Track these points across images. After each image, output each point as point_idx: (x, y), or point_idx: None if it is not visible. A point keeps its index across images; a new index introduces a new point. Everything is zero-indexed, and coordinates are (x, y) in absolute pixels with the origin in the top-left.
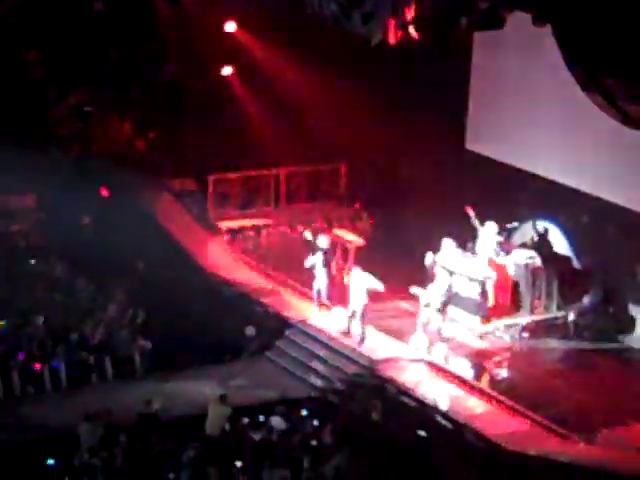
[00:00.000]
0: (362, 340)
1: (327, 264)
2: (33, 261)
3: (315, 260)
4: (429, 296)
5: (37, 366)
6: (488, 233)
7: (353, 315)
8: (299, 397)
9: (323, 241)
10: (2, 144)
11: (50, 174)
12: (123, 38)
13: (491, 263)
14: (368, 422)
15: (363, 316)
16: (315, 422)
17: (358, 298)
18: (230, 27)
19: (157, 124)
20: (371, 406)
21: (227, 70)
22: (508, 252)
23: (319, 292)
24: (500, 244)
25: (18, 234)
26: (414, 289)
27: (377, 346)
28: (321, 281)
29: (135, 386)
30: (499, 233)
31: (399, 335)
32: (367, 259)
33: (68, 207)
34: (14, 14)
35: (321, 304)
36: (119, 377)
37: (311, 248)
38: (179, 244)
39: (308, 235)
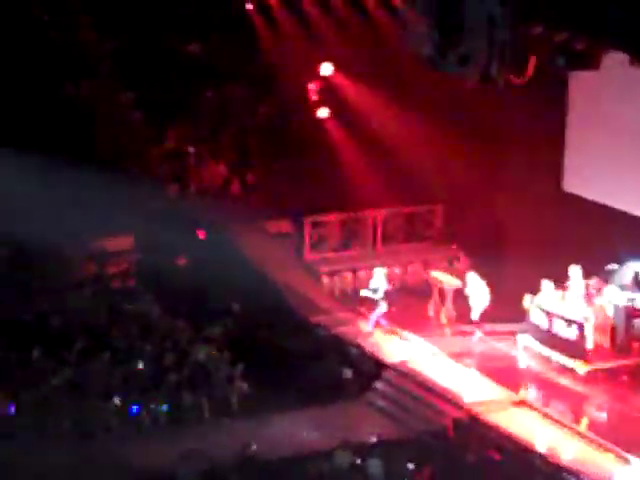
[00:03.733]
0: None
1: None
2: (130, 305)
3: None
4: None
5: (135, 407)
6: (575, 277)
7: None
8: (397, 440)
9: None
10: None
11: (147, 215)
12: (218, 79)
13: (591, 305)
14: (465, 465)
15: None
16: (412, 465)
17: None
18: (326, 69)
19: (253, 165)
20: (468, 448)
21: (323, 112)
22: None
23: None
24: (591, 286)
25: (115, 276)
26: None
27: (475, 388)
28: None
29: (232, 428)
30: (596, 275)
31: (499, 377)
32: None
33: (165, 249)
34: (110, 57)
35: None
36: (216, 419)
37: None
38: (275, 286)
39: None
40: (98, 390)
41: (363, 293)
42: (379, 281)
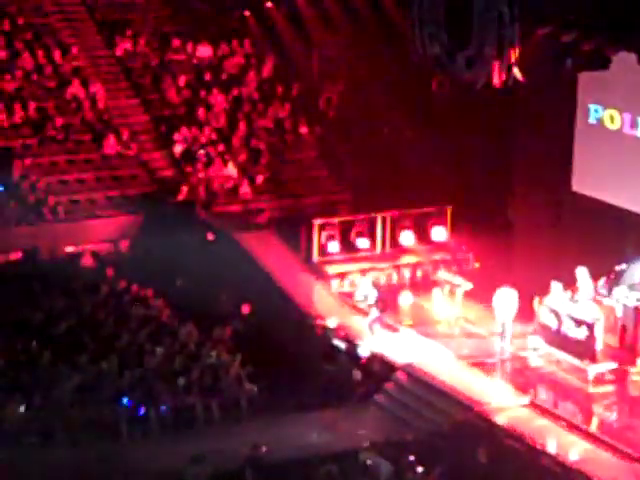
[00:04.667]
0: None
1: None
2: (139, 306)
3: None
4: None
5: (143, 410)
6: (584, 278)
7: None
8: (407, 442)
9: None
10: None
11: (156, 217)
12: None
13: (600, 305)
14: (475, 466)
15: None
16: (421, 467)
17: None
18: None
19: (263, 167)
20: (478, 450)
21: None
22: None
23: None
24: (600, 287)
25: (121, 278)
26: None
27: (484, 389)
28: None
29: (241, 430)
30: (605, 275)
31: (509, 378)
32: (475, 302)
33: (173, 251)
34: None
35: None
36: (226, 421)
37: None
38: (284, 289)
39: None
40: (108, 393)
41: (357, 303)
42: (366, 288)
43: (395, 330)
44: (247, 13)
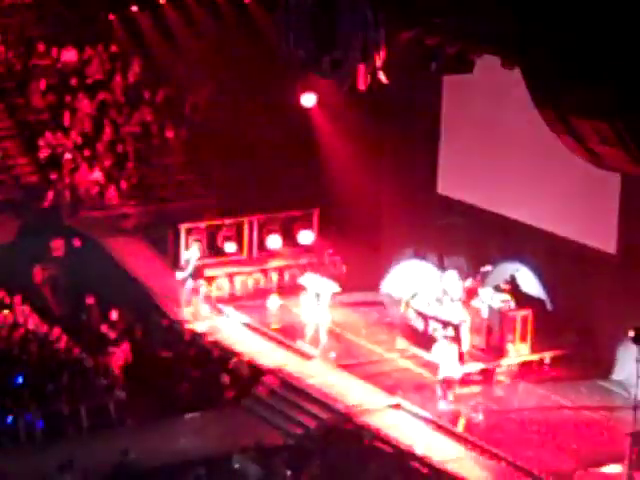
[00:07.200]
0: None
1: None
2: (6, 311)
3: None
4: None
5: (10, 418)
6: (451, 279)
7: None
8: (275, 445)
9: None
10: None
11: (22, 224)
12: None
13: (466, 307)
14: (343, 468)
15: None
16: (291, 471)
17: None
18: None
19: (129, 172)
20: (344, 451)
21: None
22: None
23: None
24: (467, 288)
25: None
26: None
27: (352, 392)
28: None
29: (110, 436)
30: (472, 277)
31: (376, 380)
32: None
33: (40, 257)
34: None
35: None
36: (94, 427)
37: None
38: (152, 293)
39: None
40: None
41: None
42: (193, 254)
43: (220, 311)
44: (112, 17)
